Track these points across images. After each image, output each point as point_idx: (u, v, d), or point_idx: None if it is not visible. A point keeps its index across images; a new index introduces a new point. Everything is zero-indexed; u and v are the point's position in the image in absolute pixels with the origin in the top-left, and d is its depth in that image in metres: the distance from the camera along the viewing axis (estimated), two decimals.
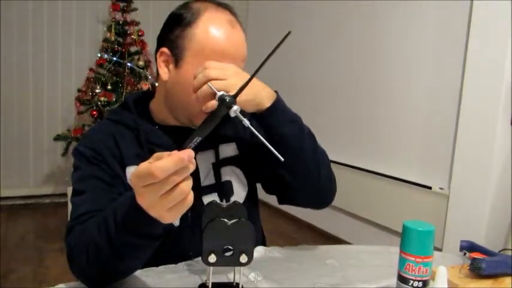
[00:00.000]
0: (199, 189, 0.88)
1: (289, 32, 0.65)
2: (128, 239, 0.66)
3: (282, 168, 0.85)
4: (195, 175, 0.88)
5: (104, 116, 1.01)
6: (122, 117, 0.91)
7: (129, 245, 0.67)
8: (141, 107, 0.94)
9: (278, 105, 0.86)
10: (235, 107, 0.68)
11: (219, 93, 0.70)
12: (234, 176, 0.94)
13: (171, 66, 0.87)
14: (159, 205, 0.58)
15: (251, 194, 0.97)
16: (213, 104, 0.72)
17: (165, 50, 0.87)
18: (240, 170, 0.95)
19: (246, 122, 0.69)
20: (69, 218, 0.81)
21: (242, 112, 0.71)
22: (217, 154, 0.93)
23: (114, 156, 0.86)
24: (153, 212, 0.60)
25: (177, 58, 0.86)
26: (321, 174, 0.89)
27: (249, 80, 0.70)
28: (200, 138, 0.63)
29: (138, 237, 0.66)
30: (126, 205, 0.65)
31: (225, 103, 0.68)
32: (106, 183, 0.83)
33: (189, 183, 0.58)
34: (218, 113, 0.67)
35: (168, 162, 0.54)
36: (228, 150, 0.95)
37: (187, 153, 0.55)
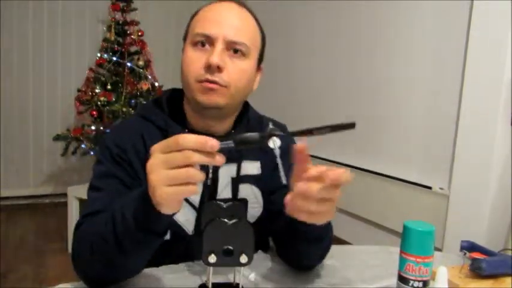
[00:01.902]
0: (214, 201, 0.87)
1: (353, 124, 0.61)
2: (131, 231, 0.65)
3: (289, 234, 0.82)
4: (213, 186, 0.87)
5: (136, 110, 0.99)
6: (153, 115, 0.89)
7: (133, 240, 0.67)
8: (175, 106, 0.91)
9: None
10: (278, 142, 0.62)
11: (271, 126, 0.63)
12: (251, 195, 0.91)
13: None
14: (164, 178, 0.58)
15: (265, 216, 0.92)
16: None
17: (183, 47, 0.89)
18: (258, 190, 0.92)
19: (277, 151, 0.62)
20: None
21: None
22: (238, 169, 0.90)
23: (139, 158, 0.85)
24: (156, 190, 0.59)
25: (183, 48, 0.88)
26: (311, 264, 0.87)
27: (309, 130, 0.63)
28: (233, 145, 0.60)
29: (142, 231, 0.65)
30: (134, 198, 0.65)
31: (273, 136, 0.62)
32: (125, 185, 0.82)
33: (200, 174, 0.58)
34: (261, 138, 0.62)
35: (192, 136, 0.57)
36: (251, 168, 0.92)
37: (213, 141, 0.56)
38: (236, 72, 0.82)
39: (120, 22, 3.14)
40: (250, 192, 0.91)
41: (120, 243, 0.67)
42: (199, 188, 0.86)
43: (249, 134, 0.62)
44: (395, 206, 2.50)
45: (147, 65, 3.16)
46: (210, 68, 0.79)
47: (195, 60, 0.81)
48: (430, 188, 2.31)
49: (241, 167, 0.90)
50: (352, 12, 2.87)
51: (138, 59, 3.14)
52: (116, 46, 3.07)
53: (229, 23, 0.82)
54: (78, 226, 0.78)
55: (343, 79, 2.96)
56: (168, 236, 0.85)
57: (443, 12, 2.28)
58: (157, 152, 0.59)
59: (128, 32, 3.15)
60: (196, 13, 0.88)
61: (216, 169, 0.87)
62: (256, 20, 0.89)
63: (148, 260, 0.81)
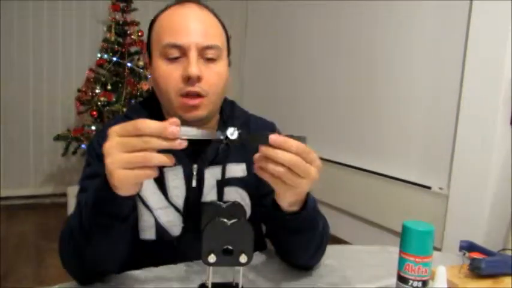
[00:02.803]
0: (199, 204, 0.86)
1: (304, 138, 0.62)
2: (94, 217, 0.66)
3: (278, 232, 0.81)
4: (199, 189, 0.87)
5: (125, 111, 1.00)
6: (139, 116, 0.89)
7: (95, 224, 0.67)
8: (158, 107, 0.91)
9: (311, 203, 0.75)
10: (231, 130, 0.61)
11: (231, 130, 0.62)
12: (238, 198, 0.90)
13: (150, 69, 0.87)
14: (121, 161, 0.58)
15: (254, 216, 0.92)
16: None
17: (146, 55, 0.88)
18: (245, 192, 0.91)
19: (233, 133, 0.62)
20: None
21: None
22: (223, 172, 0.89)
23: None
24: (113, 173, 0.59)
25: (150, 58, 0.86)
26: (306, 261, 0.85)
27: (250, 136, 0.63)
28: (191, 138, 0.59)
29: (101, 214, 0.66)
30: (96, 184, 0.66)
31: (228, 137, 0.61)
32: None
33: (159, 156, 0.58)
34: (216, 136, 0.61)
35: (152, 122, 0.57)
36: (236, 170, 0.91)
37: (174, 128, 0.56)
38: (214, 77, 0.81)
39: (120, 22, 3.14)
40: (236, 195, 0.90)
41: (85, 229, 0.67)
42: (182, 191, 0.85)
43: (203, 132, 0.60)
44: (395, 206, 2.50)
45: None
46: (189, 79, 0.78)
47: (171, 73, 0.80)
48: (429, 188, 2.31)
49: (227, 170, 0.89)
50: (352, 13, 2.88)
51: (138, 59, 3.15)
52: (116, 46, 3.08)
53: (197, 28, 0.80)
54: (63, 226, 0.79)
55: (343, 79, 2.97)
56: (153, 237, 0.85)
57: (443, 12, 2.28)
58: (115, 135, 0.59)
59: (128, 32, 3.15)
60: (154, 21, 0.85)
61: (200, 171, 0.87)
62: (217, 16, 0.87)
63: (135, 262, 0.81)
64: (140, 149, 0.57)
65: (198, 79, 0.79)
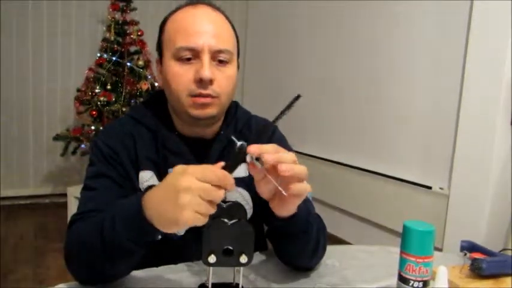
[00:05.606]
0: None
1: (298, 96, 0.69)
2: (123, 244, 0.67)
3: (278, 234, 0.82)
4: None
5: (126, 111, 1.00)
6: (144, 117, 0.90)
7: (122, 250, 0.68)
8: (163, 109, 0.91)
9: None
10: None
11: (239, 143, 0.66)
12: (239, 198, 0.91)
13: (160, 68, 0.88)
14: (196, 204, 0.60)
15: (256, 216, 0.92)
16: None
17: (157, 57, 0.89)
18: (247, 193, 0.92)
19: (259, 165, 0.67)
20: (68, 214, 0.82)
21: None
22: None
23: (130, 159, 0.86)
24: (185, 210, 0.60)
25: (161, 58, 0.87)
26: (302, 263, 0.86)
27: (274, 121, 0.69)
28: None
29: (134, 243, 0.67)
30: (131, 212, 0.66)
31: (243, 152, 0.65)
32: (117, 184, 0.84)
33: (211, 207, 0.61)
34: (237, 161, 0.66)
35: (225, 175, 0.62)
36: (238, 170, 0.92)
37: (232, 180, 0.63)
38: (225, 80, 0.82)
39: (120, 22, 3.14)
40: (238, 195, 0.91)
41: (109, 253, 0.68)
42: None
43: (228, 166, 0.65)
44: (396, 206, 2.50)
45: (147, 64, 3.16)
46: (201, 82, 0.79)
47: (183, 74, 0.81)
48: (430, 187, 2.31)
49: None
50: (353, 13, 2.87)
51: (138, 59, 3.14)
52: (115, 46, 3.07)
53: (210, 31, 0.81)
54: (70, 225, 0.79)
55: (343, 79, 2.96)
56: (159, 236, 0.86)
57: (443, 12, 2.28)
58: (193, 176, 0.60)
59: (128, 31, 3.15)
60: (166, 20, 0.87)
61: None
62: (228, 19, 0.88)
63: (139, 261, 0.82)
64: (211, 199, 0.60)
65: (210, 82, 0.80)
